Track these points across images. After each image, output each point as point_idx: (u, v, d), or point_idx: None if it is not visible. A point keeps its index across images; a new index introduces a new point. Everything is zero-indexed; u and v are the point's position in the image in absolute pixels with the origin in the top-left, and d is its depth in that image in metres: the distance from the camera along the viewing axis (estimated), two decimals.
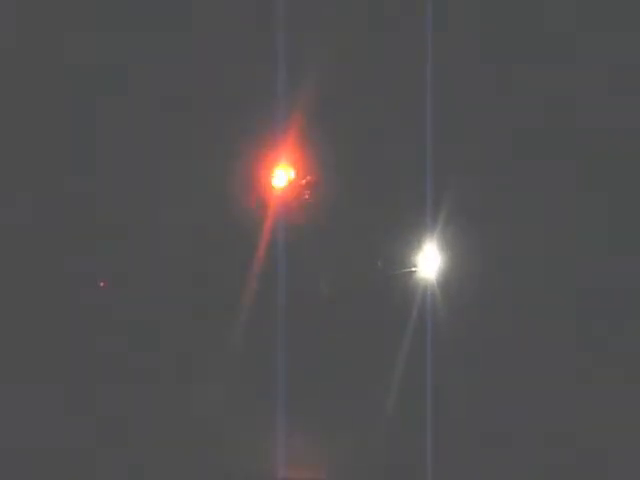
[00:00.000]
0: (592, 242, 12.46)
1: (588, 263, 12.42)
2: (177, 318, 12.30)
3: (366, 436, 12.06)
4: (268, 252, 12.49)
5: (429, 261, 12.42)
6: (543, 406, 12.14)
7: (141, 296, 12.37)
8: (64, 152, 12.33)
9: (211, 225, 12.44)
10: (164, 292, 12.40)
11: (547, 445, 12.04)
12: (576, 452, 11.94)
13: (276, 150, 12.49)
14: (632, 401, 12.15)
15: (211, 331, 12.31)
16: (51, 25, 12.26)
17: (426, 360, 12.01)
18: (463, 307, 12.19)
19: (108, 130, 12.41)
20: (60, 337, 12.04)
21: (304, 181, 12.59)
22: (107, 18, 12.35)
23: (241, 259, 12.46)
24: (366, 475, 12.03)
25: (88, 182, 12.36)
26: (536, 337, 12.34)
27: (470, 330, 12.17)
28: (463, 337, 12.15)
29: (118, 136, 12.39)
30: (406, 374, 12.22)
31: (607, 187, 12.60)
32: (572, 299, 12.46)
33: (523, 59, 12.50)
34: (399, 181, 12.47)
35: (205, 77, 12.44)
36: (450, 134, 12.40)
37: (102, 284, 12.46)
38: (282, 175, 12.58)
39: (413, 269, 12.38)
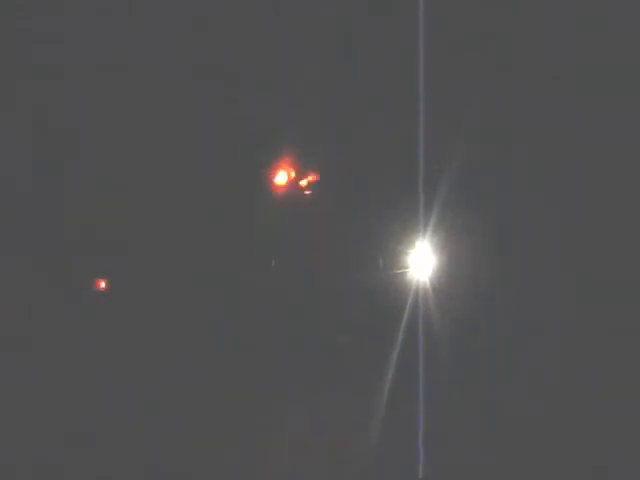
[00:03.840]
0: (593, 244, 12.45)
1: (586, 263, 12.43)
2: None
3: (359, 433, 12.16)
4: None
5: (422, 261, 12.48)
6: (539, 405, 12.17)
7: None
8: None
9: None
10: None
11: (545, 444, 12.06)
12: (575, 451, 11.96)
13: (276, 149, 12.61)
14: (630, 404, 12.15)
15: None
16: None
17: (419, 358, 12.08)
18: (457, 306, 12.25)
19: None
20: None
21: (304, 181, 12.69)
22: None
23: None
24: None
25: None
26: (534, 336, 12.38)
27: (465, 329, 12.23)
28: (457, 336, 12.21)
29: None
30: (402, 374, 12.30)
31: (608, 188, 12.59)
32: (570, 298, 12.48)
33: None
34: (396, 180, 12.54)
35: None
36: (448, 134, 12.44)
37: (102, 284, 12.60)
38: (282, 174, 12.68)
39: (406, 269, 12.45)
